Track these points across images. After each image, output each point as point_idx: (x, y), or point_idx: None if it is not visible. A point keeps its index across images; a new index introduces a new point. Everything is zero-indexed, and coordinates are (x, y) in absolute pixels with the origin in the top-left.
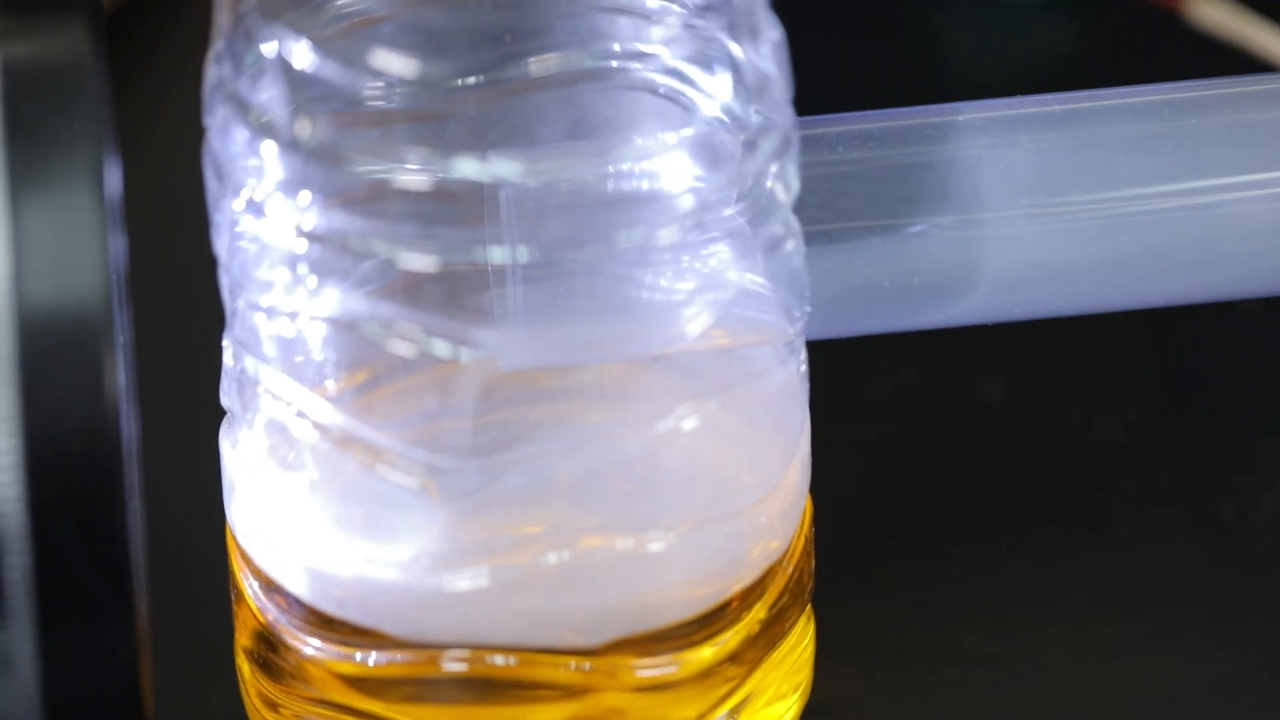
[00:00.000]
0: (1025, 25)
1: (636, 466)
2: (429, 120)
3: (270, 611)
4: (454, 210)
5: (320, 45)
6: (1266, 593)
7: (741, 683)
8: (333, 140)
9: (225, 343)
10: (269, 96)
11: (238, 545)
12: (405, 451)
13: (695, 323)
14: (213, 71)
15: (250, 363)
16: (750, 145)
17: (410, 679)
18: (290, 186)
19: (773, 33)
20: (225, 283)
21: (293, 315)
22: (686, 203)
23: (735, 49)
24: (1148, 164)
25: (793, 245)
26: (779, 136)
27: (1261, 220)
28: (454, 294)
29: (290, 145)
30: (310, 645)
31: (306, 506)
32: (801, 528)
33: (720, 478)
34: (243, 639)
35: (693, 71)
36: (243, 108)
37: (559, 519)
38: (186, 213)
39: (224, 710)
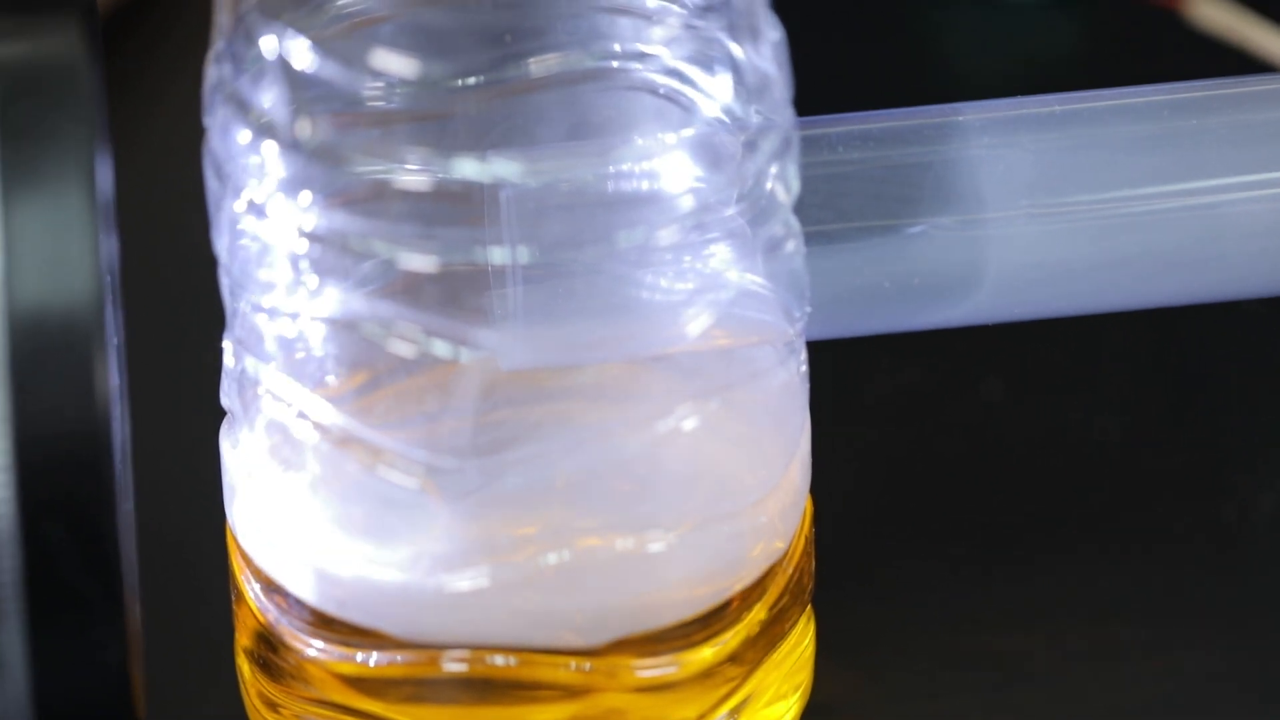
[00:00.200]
0: (1025, 25)
1: (637, 466)
2: (429, 120)
3: (270, 612)
4: (454, 210)
5: (321, 45)
6: (1266, 593)
7: (742, 683)
8: (333, 140)
9: (226, 343)
10: (269, 96)
11: (238, 545)
12: (405, 452)
13: (695, 323)
14: (213, 71)
15: (251, 363)
16: (750, 146)
17: (410, 679)
18: (291, 186)
19: (773, 33)
20: (226, 283)
21: (293, 315)
22: (687, 203)
23: (736, 49)
24: (1148, 164)
25: (793, 245)
26: (779, 137)
27: (1262, 220)
28: (454, 294)
29: (291, 145)
30: (310, 645)
31: (307, 507)
32: (802, 528)
33: (720, 478)
34: (243, 639)
35: (693, 72)
36: (243, 108)
37: (559, 519)
38: (186, 213)
39: (224, 710)
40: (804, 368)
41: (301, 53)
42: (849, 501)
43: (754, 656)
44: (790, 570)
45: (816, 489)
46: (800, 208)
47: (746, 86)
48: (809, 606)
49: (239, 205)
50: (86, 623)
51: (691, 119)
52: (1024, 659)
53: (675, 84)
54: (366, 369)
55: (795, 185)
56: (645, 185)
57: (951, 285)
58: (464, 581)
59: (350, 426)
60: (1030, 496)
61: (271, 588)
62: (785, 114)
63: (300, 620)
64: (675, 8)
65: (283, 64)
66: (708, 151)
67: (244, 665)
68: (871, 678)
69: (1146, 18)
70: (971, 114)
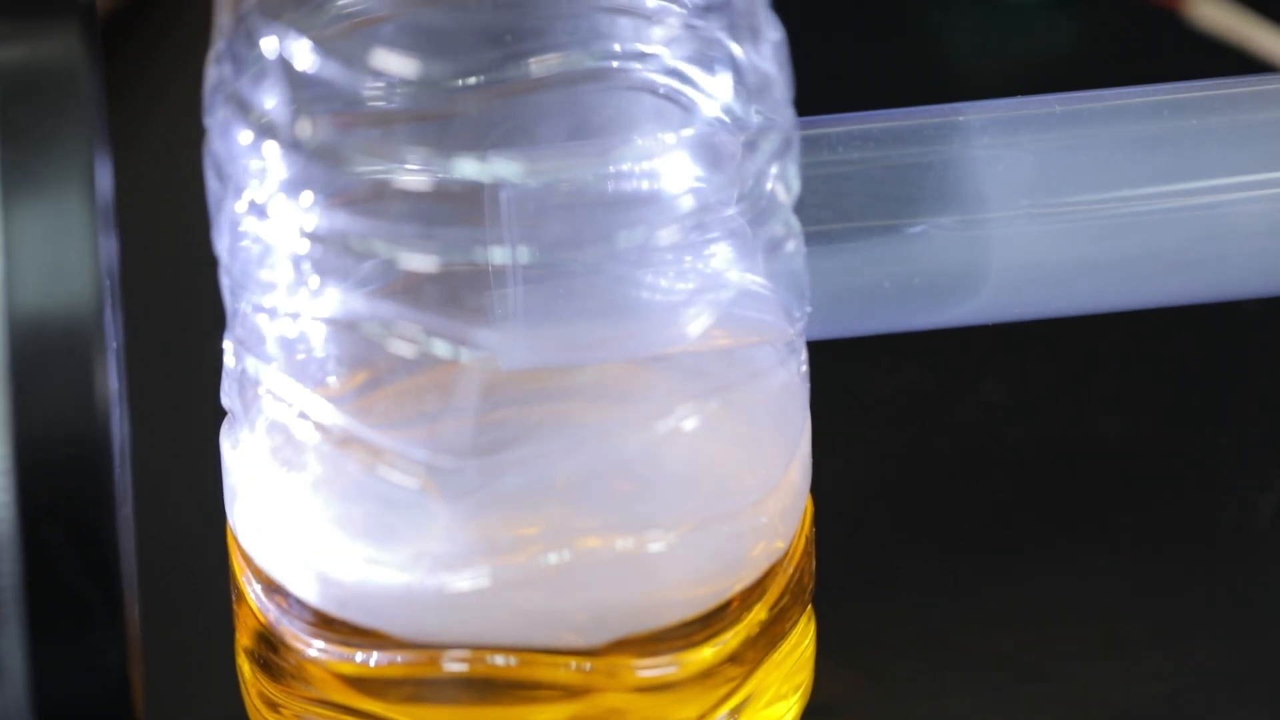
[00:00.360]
0: (1025, 25)
1: (637, 466)
2: (430, 120)
3: (271, 612)
4: (454, 210)
5: (321, 45)
6: (1266, 593)
7: (742, 683)
8: (334, 140)
9: (226, 344)
10: (270, 97)
11: (239, 546)
12: (406, 452)
13: (695, 323)
14: (213, 72)
15: (251, 363)
16: (751, 146)
17: (411, 679)
18: (292, 187)
19: (773, 33)
20: (226, 284)
21: (294, 316)
22: (687, 203)
23: (736, 49)
24: (1148, 164)
25: (793, 245)
26: (779, 137)
27: (1262, 220)
28: (454, 294)
29: (292, 145)
30: (311, 645)
31: (308, 507)
32: (802, 528)
33: (720, 478)
34: (243, 639)
35: (693, 72)
36: (244, 108)
37: (559, 519)
38: (186, 214)
39: (224, 710)
40: (804, 368)
41: (302, 53)
42: (849, 501)
43: (754, 656)
44: (790, 570)
45: (816, 489)
46: (800, 207)
47: (747, 86)
48: (809, 606)
49: (240, 206)
50: (86, 627)
51: (692, 119)
52: (1024, 658)
53: (675, 84)
54: (367, 369)
55: (795, 185)
56: (645, 185)
57: (952, 285)
58: (464, 581)
59: (351, 427)
60: (1030, 496)
61: (272, 588)
62: (785, 114)
63: (301, 620)
64: (675, 8)
65: (283, 64)
66: (708, 151)
67: (244, 665)
68: (871, 678)
69: (1146, 18)
70: (972, 114)
